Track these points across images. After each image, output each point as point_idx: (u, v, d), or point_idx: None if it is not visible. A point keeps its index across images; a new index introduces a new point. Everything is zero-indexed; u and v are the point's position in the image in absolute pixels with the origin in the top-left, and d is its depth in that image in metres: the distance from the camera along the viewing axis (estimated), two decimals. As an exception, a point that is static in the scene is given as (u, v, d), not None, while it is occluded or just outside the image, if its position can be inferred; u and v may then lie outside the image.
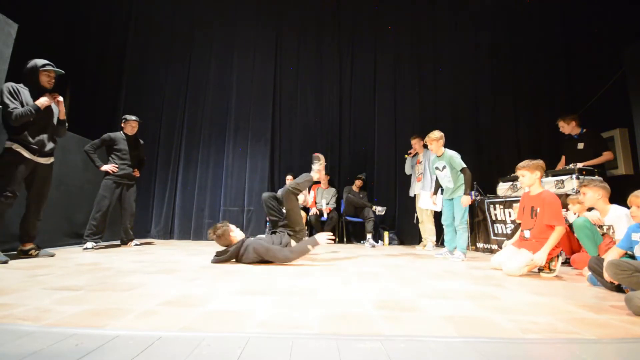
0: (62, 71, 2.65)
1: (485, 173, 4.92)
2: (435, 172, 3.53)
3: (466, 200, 3.19)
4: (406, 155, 4.64)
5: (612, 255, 1.92)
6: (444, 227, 3.51)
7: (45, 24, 4.43)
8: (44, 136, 2.61)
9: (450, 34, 5.51)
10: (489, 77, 5.39)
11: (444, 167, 3.38)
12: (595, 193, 2.45)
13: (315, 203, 5.00)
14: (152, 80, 5.34)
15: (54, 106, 2.72)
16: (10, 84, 2.49)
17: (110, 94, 5.23)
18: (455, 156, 3.30)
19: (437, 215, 4.51)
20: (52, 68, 2.61)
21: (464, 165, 3.25)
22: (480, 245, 4.13)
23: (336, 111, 5.47)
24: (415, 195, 4.61)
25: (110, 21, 5.39)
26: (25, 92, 2.53)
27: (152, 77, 5.34)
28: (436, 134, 3.37)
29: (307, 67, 5.55)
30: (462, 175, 3.25)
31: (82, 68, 5.14)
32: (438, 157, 3.43)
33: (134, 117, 3.80)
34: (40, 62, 2.58)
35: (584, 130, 3.71)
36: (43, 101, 2.51)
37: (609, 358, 0.96)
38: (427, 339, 1.04)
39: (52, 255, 2.70)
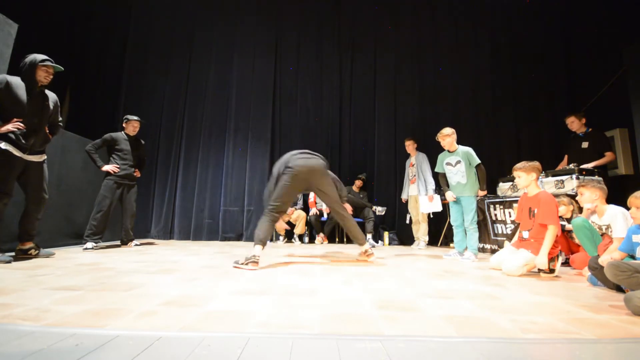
0: (62, 68, 2.60)
1: (486, 173, 4.92)
2: (446, 168, 3.45)
3: (483, 194, 3.25)
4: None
5: (613, 257, 1.91)
6: (453, 228, 3.45)
7: (45, 24, 4.43)
8: (35, 134, 2.52)
9: (450, 34, 5.51)
10: (489, 77, 5.39)
11: (457, 163, 3.33)
12: (592, 193, 2.45)
13: (315, 203, 5.00)
14: (152, 80, 5.34)
15: (51, 102, 2.65)
16: (6, 77, 2.40)
17: (110, 94, 5.23)
18: (471, 151, 3.30)
19: (434, 215, 4.55)
20: (51, 64, 2.54)
21: (480, 161, 3.26)
22: (480, 245, 4.13)
23: (336, 111, 5.47)
24: (408, 197, 4.65)
25: (110, 21, 5.38)
26: (19, 86, 2.43)
27: (152, 77, 5.34)
28: (448, 130, 3.37)
29: (307, 67, 5.55)
30: (474, 171, 3.26)
31: (82, 68, 5.15)
32: (450, 152, 3.40)
33: (135, 117, 3.80)
34: (39, 56, 2.50)
35: (589, 129, 3.72)
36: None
37: (609, 358, 0.96)
38: (427, 339, 1.04)
39: (52, 255, 2.70)
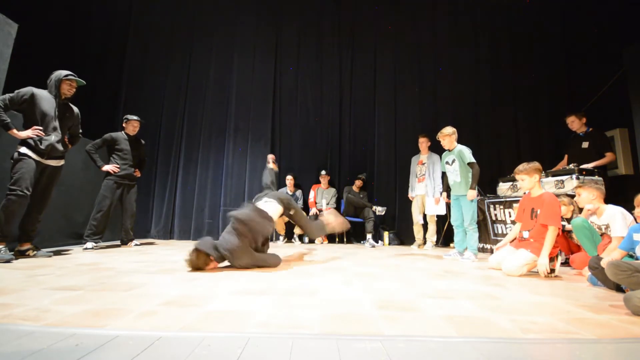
0: (84, 82, 2.85)
1: (485, 173, 4.91)
2: (446, 168, 3.49)
3: (471, 194, 3.16)
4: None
5: (613, 255, 1.92)
6: (453, 227, 3.45)
7: (45, 24, 4.42)
8: (54, 140, 2.67)
9: (450, 33, 5.51)
10: (489, 77, 5.39)
11: (453, 161, 3.35)
12: (589, 194, 2.46)
13: (315, 203, 5.00)
14: (152, 80, 5.33)
15: (73, 114, 2.90)
16: (32, 89, 2.60)
17: (110, 93, 5.22)
18: (465, 150, 3.28)
19: (438, 217, 4.54)
20: (74, 78, 2.79)
21: (473, 160, 3.21)
22: (480, 245, 4.13)
23: (336, 111, 5.46)
24: (415, 195, 4.62)
25: (110, 21, 5.38)
26: (44, 97, 2.64)
27: (152, 77, 5.34)
28: (448, 129, 3.37)
29: (307, 67, 5.54)
30: (470, 170, 3.23)
31: (82, 68, 5.11)
32: (449, 151, 3.41)
33: (135, 117, 3.80)
34: (64, 72, 2.76)
35: (590, 129, 3.71)
36: (19, 132, 2.54)
37: (609, 358, 0.96)
38: (427, 339, 1.04)
39: (50, 256, 2.70)
